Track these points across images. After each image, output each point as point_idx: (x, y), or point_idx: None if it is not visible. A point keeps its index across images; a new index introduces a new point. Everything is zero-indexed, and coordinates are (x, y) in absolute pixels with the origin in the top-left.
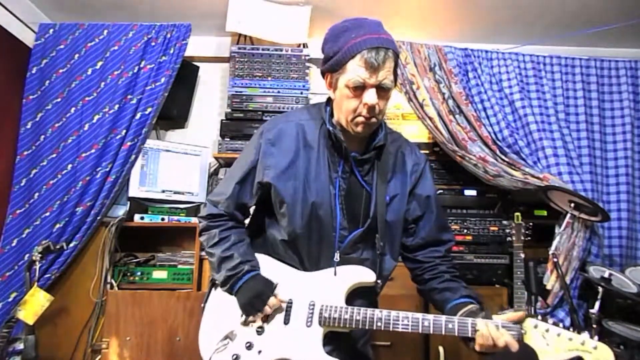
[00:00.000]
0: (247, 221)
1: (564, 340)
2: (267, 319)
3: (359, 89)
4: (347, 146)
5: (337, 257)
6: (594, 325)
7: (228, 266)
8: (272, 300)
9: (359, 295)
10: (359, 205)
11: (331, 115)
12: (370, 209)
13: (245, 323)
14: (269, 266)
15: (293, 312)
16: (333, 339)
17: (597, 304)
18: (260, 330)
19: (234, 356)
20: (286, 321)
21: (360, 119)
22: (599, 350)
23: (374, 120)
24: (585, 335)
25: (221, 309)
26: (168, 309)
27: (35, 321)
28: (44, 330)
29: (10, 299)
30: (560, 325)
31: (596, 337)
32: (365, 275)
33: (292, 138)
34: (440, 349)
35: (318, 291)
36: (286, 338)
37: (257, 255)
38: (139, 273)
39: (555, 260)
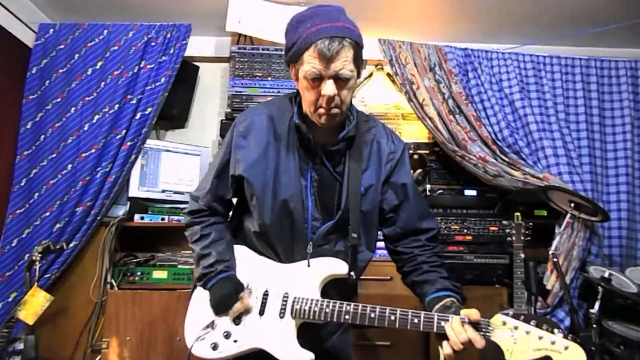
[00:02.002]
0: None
1: (533, 339)
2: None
3: (316, 80)
4: (318, 138)
5: (309, 248)
6: (594, 325)
7: (205, 264)
8: (237, 305)
9: (335, 287)
10: (331, 197)
11: (300, 106)
12: (342, 200)
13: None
14: (246, 258)
15: (268, 304)
16: (308, 331)
17: (597, 304)
18: (237, 321)
19: (213, 344)
20: (261, 312)
21: (321, 110)
22: (569, 351)
23: (335, 111)
24: (557, 334)
25: (205, 300)
26: (168, 309)
27: (35, 321)
28: (44, 330)
29: (10, 299)
30: (532, 323)
31: (570, 337)
32: (337, 267)
33: (262, 130)
34: (441, 349)
35: (292, 283)
36: (261, 329)
37: (236, 247)
38: (139, 273)
39: (555, 260)
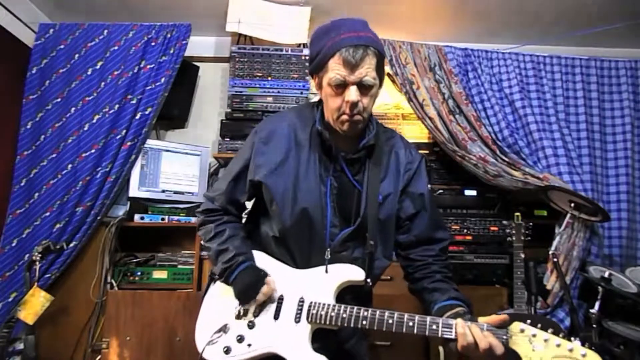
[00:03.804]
0: (244, 216)
1: (551, 347)
2: (259, 312)
3: (340, 87)
4: (338, 145)
5: (327, 254)
6: (594, 325)
7: (224, 259)
8: (264, 288)
9: (351, 293)
10: (350, 204)
11: (322, 115)
12: (360, 208)
13: (239, 317)
14: (262, 262)
15: (283, 308)
16: (322, 336)
17: (597, 304)
18: (251, 325)
19: (225, 348)
20: (276, 316)
21: (345, 117)
22: (587, 359)
23: (358, 117)
24: (575, 342)
25: (218, 304)
26: (168, 309)
27: (35, 321)
28: (44, 330)
29: (10, 299)
30: (550, 331)
31: (587, 344)
32: (355, 273)
33: (284, 137)
34: (441, 349)
35: (308, 288)
36: (275, 333)
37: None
38: (139, 273)
39: (555, 260)
